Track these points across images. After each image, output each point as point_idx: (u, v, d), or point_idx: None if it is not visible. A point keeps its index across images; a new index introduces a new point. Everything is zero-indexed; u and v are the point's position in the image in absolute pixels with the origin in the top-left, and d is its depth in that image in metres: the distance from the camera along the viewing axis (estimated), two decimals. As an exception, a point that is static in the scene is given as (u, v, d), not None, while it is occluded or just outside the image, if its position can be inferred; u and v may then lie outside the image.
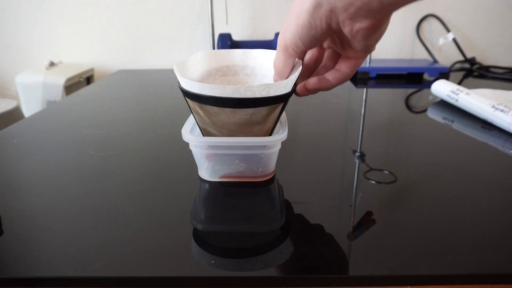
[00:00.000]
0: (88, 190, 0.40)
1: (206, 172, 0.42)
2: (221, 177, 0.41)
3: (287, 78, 0.38)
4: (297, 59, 0.37)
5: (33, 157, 0.49)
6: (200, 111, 0.38)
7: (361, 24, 0.30)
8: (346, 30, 0.31)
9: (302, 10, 0.31)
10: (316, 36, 0.32)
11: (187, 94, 0.37)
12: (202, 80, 0.43)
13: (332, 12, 0.29)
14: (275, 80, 0.39)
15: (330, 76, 0.38)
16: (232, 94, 0.34)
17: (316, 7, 0.30)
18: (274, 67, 0.38)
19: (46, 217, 0.35)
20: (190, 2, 1.14)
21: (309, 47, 0.34)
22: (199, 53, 0.44)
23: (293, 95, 0.39)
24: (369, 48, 0.34)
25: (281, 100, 0.37)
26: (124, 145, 0.53)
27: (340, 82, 0.38)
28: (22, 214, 0.36)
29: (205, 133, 0.41)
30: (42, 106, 1.04)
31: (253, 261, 0.30)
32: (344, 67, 0.37)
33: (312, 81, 0.39)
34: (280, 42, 0.36)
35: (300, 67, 0.37)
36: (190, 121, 0.43)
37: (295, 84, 0.39)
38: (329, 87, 0.39)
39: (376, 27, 0.30)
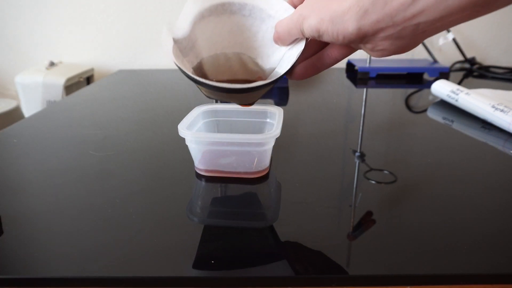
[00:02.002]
0: (88, 190, 0.40)
1: (200, 165, 0.42)
2: (215, 171, 0.42)
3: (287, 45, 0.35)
4: None
5: (33, 157, 0.49)
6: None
7: (386, 46, 0.28)
8: (367, 46, 0.29)
9: (339, 17, 0.27)
10: (337, 42, 0.30)
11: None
12: (194, 25, 0.39)
13: (364, 35, 0.27)
14: (275, 39, 0.36)
15: (318, 60, 0.34)
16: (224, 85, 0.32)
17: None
18: (277, 31, 0.35)
19: (46, 217, 0.35)
20: (190, 2, 1.14)
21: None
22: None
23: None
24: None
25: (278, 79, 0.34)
26: (124, 145, 0.53)
27: (328, 67, 0.34)
28: (22, 214, 0.36)
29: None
30: (42, 106, 1.04)
31: (252, 261, 0.30)
32: (335, 53, 0.33)
33: (299, 71, 0.35)
34: (297, 18, 0.31)
35: (303, 45, 0.33)
36: (188, 118, 0.44)
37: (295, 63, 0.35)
38: (316, 73, 0.35)
39: (401, 52, 0.28)
